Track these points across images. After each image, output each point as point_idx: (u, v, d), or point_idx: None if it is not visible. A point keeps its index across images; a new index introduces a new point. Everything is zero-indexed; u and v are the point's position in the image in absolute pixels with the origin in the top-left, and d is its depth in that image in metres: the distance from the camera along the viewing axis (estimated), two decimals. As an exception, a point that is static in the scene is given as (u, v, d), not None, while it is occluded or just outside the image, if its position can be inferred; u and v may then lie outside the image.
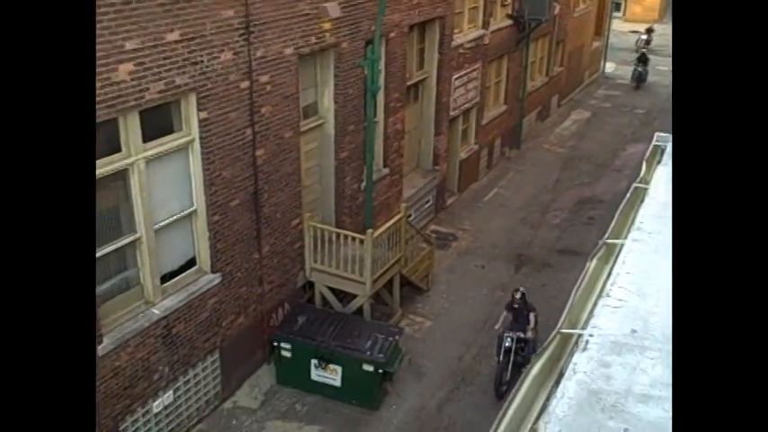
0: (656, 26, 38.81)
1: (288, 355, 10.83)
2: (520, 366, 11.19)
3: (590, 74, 31.12)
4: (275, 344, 10.88)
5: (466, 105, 17.96)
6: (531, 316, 11.67)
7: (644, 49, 31.83)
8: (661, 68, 32.42)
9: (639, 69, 30.49)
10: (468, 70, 17.51)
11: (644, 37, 35.08)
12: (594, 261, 7.69)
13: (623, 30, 41.22)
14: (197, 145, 9.16)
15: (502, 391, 11.23)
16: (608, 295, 6.28)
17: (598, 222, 17.07)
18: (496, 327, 11.91)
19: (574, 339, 6.10)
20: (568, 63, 26.84)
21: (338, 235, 11.61)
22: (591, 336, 5.64)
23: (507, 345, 11.45)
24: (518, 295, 11.83)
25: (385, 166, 14.12)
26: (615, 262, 7.10)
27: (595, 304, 6.39)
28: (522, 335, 11.43)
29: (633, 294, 6.25)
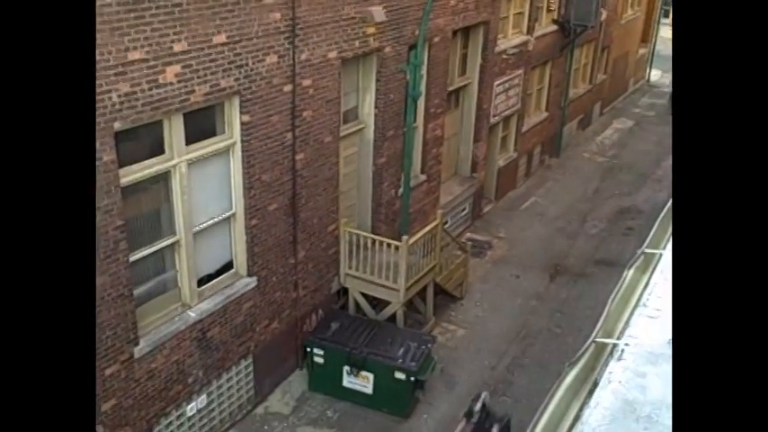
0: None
1: (320, 361, 10.79)
2: None
3: (635, 81, 30.63)
4: (308, 349, 10.86)
5: (506, 112, 17.75)
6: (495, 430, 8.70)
7: None
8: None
9: None
10: (511, 76, 17.31)
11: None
12: (632, 271, 7.58)
13: (670, 37, 40.53)
14: (238, 148, 9.15)
15: None
16: (645, 305, 6.21)
17: (637, 233, 16.80)
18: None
19: (609, 349, 6.04)
20: (613, 70, 26.43)
21: (374, 241, 11.55)
22: (627, 345, 5.58)
23: None
24: (477, 406, 8.74)
25: (423, 173, 14.01)
26: (653, 271, 6.99)
27: (632, 314, 6.35)
28: None
29: (670, 304, 6.14)
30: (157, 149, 8.19)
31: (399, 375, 10.42)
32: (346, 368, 10.67)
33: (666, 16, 41.28)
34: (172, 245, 8.74)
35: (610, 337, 6.40)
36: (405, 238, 11.22)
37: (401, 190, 12.79)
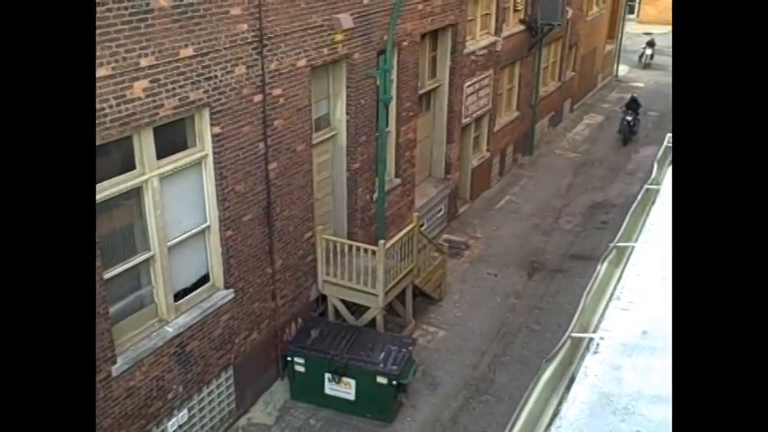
0: (668, 28, 38.55)
1: (301, 369, 10.77)
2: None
3: (603, 77, 30.97)
4: (288, 358, 10.82)
5: (478, 113, 17.87)
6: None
7: (635, 94, 24.94)
8: (674, 70, 32.28)
9: (628, 119, 23.66)
10: (481, 77, 17.42)
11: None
12: (605, 264, 7.66)
13: (637, 32, 41.05)
14: (210, 160, 9.11)
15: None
16: (618, 298, 6.28)
17: (611, 227, 16.97)
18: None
19: (585, 343, 6.10)
20: (581, 67, 26.70)
21: (350, 247, 11.56)
22: (602, 339, 5.64)
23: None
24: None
25: (397, 177, 14.05)
26: (626, 264, 7.09)
27: (606, 307, 6.42)
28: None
29: (643, 296, 6.24)
30: (128, 165, 8.13)
31: (381, 380, 10.43)
32: (328, 375, 10.66)
33: (631, 12, 41.84)
34: (147, 260, 8.68)
35: (585, 331, 6.47)
36: (381, 242, 11.24)
37: (376, 194, 12.80)
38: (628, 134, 23.60)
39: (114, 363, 8.15)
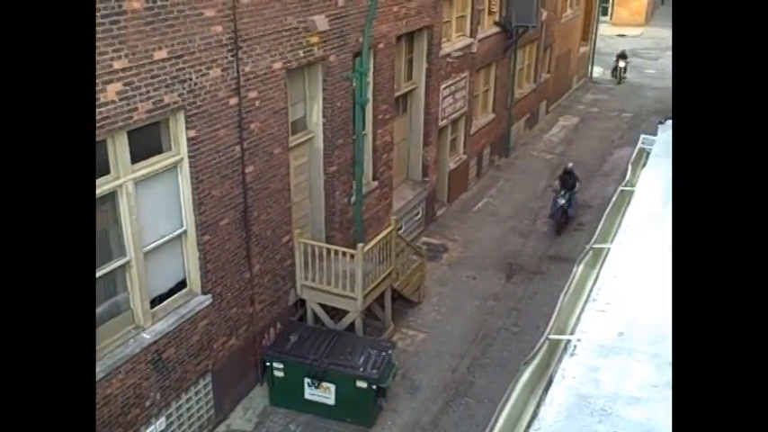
0: (641, 30, 38.96)
1: (280, 374, 10.68)
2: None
3: (578, 79, 31.23)
4: (267, 364, 10.73)
5: (454, 115, 17.89)
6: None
7: (569, 165, 18.14)
8: (649, 71, 32.58)
9: (561, 202, 17.45)
10: (457, 79, 17.46)
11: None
12: (581, 266, 7.70)
13: (610, 34, 41.45)
14: (186, 164, 9.01)
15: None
16: (594, 300, 6.31)
17: (587, 228, 17.07)
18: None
19: (562, 345, 6.12)
20: (556, 69, 26.90)
21: (329, 251, 11.49)
22: (579, 341, 5.66)
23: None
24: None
25: (374, 179, 14.01)
26: (602, 266, 7.12)
27: (583, 309, 6.46)
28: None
29: (619, 297, 6.26)
30: (102, 169, 8.00)
31: (361, 384, 10.38)
32: (307, 380, 10.58)
33: (605, 14, 42.20)
34: (122, 266, 8.54)
35: (562, 333, 6.48)
36: (360, 245, 11.19)
37: (354, 198, 12.75)
38: (561, 220, 17.58)
39: (89, 371, 8.01)
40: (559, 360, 5.82)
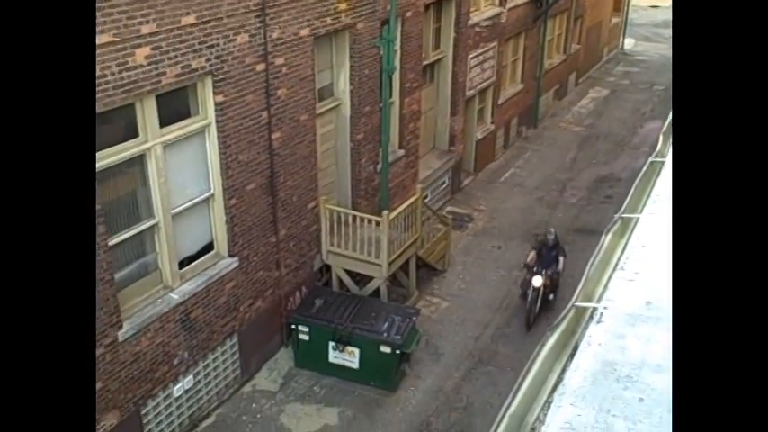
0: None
1: (305, 337, 10.87)
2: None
3: (609, 51, 30.73)
4: (293, 327, 10.92)
5: (482, 85, 17.79)
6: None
7: (551, 232, 13.26)
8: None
9: (536, 285, 12.44)
10: (485, 49, 17.32)
11: (551, 236, 21.39)
12: (610, 235, 7.65)
13: (644, 5, 40.61)
14: (213, 129, 9.13)
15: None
16: (622, 268, 6.28)
17: (615, 201, 16.92)
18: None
19: (589, 312, 6.11)
20: (586, 40, 26.49)
21: (354, 217, 11.59)
22: (605, 308, 5.65)
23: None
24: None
25: (401, 148, 14.04)
26: (631, 236, 7.08)
27: (610, 278, 6.41)
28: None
29: (647, 267, 6.23)
30: (131, 133, 8.16)
31: (385, 349, 10.52)
32: (332, 344, 10.75)
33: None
34: (151, 228, 8.73)
35: (589, 301, 6.46)
36: (385, 213, 11.26)
37: (380, 165, 12.81)
38: (534, 307, 12.53)
39: (120, 328, 8.24)
40: (585, 327, 5.81)
